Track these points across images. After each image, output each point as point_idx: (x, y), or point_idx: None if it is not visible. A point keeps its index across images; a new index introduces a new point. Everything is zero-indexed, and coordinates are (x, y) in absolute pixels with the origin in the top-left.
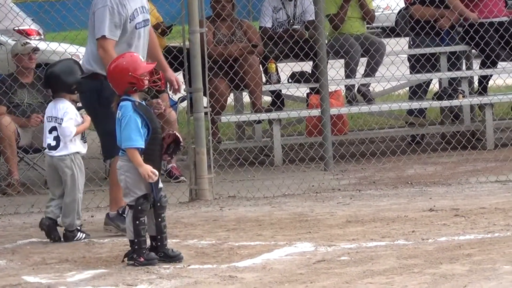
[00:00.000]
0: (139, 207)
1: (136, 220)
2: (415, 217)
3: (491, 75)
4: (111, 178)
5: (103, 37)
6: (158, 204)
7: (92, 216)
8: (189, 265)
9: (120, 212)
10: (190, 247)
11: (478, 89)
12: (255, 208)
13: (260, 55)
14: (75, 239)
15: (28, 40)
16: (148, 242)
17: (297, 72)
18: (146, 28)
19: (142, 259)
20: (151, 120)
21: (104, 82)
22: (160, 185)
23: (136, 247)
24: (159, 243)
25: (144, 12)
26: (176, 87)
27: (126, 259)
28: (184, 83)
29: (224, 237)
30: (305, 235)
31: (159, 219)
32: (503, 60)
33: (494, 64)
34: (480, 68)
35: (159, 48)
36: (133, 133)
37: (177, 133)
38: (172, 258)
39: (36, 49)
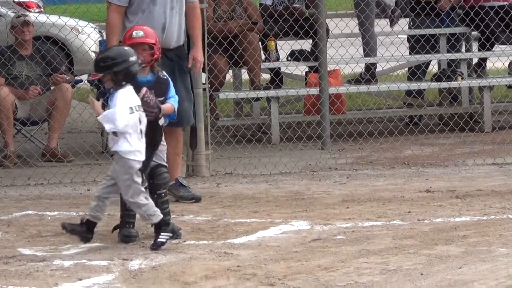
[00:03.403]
0: None
1: None
2: (411, 198)
3: (486, 58)
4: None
5: (107, 1)
6: (152, 180)
7: (88, 190)
8: (184, 241)
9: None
10: (186, 223)
11: (478, 71)
12: (252, 185)
13: (259, 32)
14: None
15: (24, 12)
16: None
17: (296, 50)
18: None
19: (118, 235)
20: None
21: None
22: (162, 162)
23: (121, 219)
24: None
25: None
26: (190, 65)
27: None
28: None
29: (220, 214)
30: (301, 214)
31: (155, 196)
32: (503, 43)
33: (492, 46)
34: (479, 50)
35: (196, 23)
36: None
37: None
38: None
39: (27, 22)
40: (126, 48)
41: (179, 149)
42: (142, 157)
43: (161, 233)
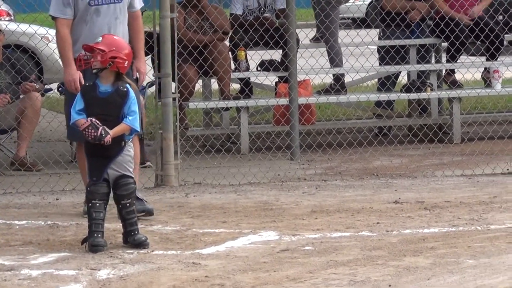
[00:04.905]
0: (88, 188)
1: (89, 202)
2: (380, 209)
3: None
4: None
5: (52, 17)
6: (115, 191)
7: (57, 199)
8: (153, 251)
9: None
10: (154, 232)
11: (447, 82)
12: (221, 195)
13: (224, 35)
14: None
15: None
16: (108, 225)
17: (266, 61)
18: (115, 5)
19: (86, 245)
20: (85, 101)
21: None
22: (127, 173)
23: (88, 229)
24: (123, 229)
25: None
26: (135, 76)
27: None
28: (153, 68)
29: (189, 224)
30: (270, 224)
31: (120, 206)
32: (473, 54)
33: (453, 58)
34: (448, 61)
35: (139, 34)
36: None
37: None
38: (136, 246)
39: None
40: None
41: (135, 160)
42: None
43: None
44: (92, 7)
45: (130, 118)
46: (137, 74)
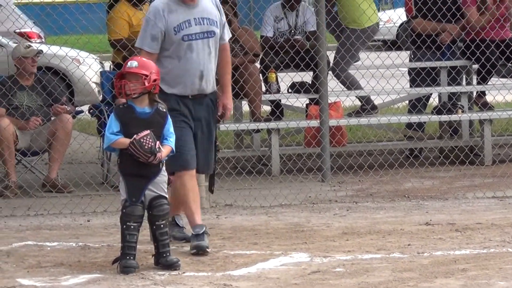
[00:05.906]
0: (123, 210)
1: (123, 224)
2: (411, 231)
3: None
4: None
5: (139, 48)
6: (150, 212)
7: (88, 221)
8: (184, 272)
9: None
10: (185, 254)
11: (478, 104)
12: (252, 217)
13: (255, 57)
14: None
15: (30, 43)
16: (140, 247)
17: (297, 82)
18: (208, 40)
19: (118, 266)
20: (122, 122)
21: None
22: (162, 193)
23: (121, 251)
24: (155, 251)
25: (202, 24)
26: (220, 113)
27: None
28: None
29: (220, 245)
30: (301, 246)
31: (154, 227)
32: (504, 76)
33: (484, 80)
34: (478, 83)
35: (227, 68)
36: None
37: (136, 138)
38: (167, 267)
39: (39, 52)
40: None
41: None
42: None
43: None
44: (186, 42)
45: (171, 140)
46: (219, 108)
